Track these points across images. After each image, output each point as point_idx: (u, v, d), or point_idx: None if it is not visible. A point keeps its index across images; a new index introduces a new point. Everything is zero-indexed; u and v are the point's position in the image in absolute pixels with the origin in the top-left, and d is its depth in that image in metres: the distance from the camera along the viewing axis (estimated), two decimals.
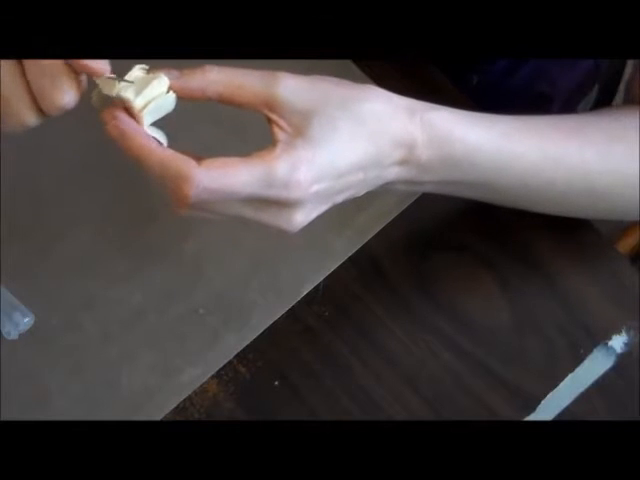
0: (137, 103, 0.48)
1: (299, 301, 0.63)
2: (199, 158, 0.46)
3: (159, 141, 0.49)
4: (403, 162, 0.51)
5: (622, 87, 0.78)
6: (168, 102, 0.49)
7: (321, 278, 0.63)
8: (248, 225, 0.50)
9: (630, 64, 0.69)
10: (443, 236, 0.65)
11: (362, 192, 0.51)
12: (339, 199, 0.50)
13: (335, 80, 0.50)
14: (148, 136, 0.48)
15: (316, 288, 0.63)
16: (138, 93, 0.48)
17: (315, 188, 0.47)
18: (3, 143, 0.66)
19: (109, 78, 0.48)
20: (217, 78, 0.48)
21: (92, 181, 0.66)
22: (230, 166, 0.46)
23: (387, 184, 0.52)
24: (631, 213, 0.59)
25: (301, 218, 0.49)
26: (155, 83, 0.48)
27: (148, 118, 0.48)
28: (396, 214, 0.65)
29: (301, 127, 0.48)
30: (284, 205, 0.48)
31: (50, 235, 0.64)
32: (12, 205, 0.65)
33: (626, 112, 0.59)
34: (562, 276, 0.64)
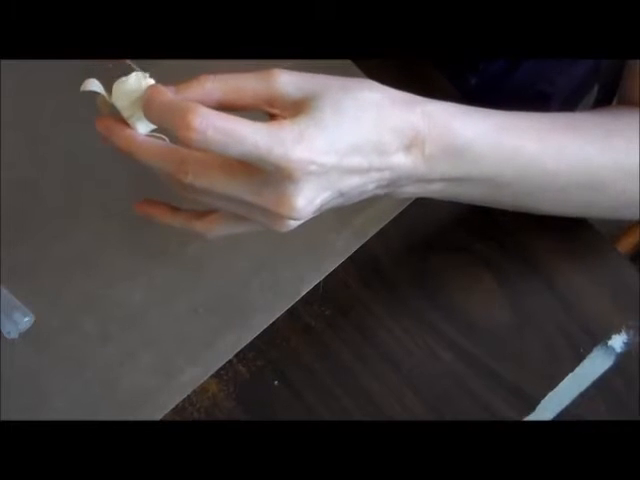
0: (125, 112, 0.48)
1: (299, 301, 0.63)
2: None
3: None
4: (409, 147, 0.50)
5: None
6: None
7: (321, 278, 0.63)
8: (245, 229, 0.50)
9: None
10: (443, 236, 0.65)
11: (371, 186, 0.50)
12: (343, 186, 0.49)
13: (330, 75, 0.50)
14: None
15: (316, 288, 0.63)
16: (127, 100, 0.48)
17: (314, 167, 0.46)
18: (3, 144, 0.66)
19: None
20: (214, 86, 0.48)
21: (92, 181, 0.66)
22: (236, 120, 0.45)
23: (397, 183, 0.51)
24: (633, 209, 0.59)
25: (303, 202, 0.47)
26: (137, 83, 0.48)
27: (141, 126, 0.48)
28: (396, 214, 0.65)
29: (304, 109, 0.47)
30: (283, 184, 0.46)
31: (50, 235, 0.64)
32: (12, 205, 0.65)
33: (623, 112, 0.59)
34: (562, 276, 0.64)
